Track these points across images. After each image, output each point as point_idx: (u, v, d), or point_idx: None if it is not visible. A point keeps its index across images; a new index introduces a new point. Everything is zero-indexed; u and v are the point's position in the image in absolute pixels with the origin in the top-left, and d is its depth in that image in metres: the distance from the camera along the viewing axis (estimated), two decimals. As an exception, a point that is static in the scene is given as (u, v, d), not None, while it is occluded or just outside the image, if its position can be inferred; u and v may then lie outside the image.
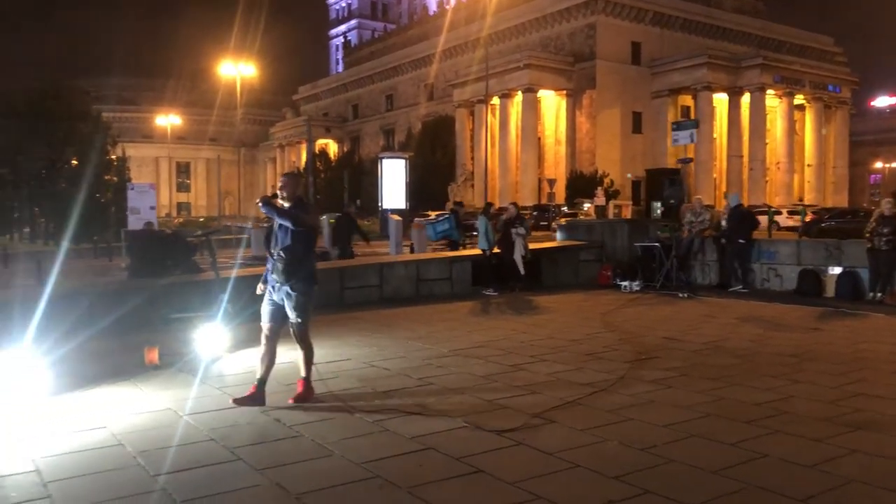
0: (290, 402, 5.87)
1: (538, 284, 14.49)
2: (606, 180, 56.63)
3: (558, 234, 17.18)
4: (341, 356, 7.84)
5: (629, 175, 59.14)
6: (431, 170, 63.89)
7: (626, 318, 10.70)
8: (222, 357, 7.72)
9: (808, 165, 68.60)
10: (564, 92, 63.39)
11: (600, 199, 50.44)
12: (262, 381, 5.91)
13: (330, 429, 5.20)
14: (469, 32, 70.82)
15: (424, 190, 58.26)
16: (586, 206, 49.49)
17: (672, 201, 14.07)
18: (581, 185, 56.58)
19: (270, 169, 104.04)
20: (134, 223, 25.64)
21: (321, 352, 7.97)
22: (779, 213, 34.52)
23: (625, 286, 14.24)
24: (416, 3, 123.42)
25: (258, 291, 6.18)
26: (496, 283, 13.67)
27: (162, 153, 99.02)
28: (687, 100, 65.15)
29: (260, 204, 5.87)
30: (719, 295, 13.49)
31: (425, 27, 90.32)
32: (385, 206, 35.44)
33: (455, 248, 16.92)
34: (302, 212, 5.83)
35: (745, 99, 63.93)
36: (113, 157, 42.43)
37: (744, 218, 15.22)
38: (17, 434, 5.08)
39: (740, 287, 13.97)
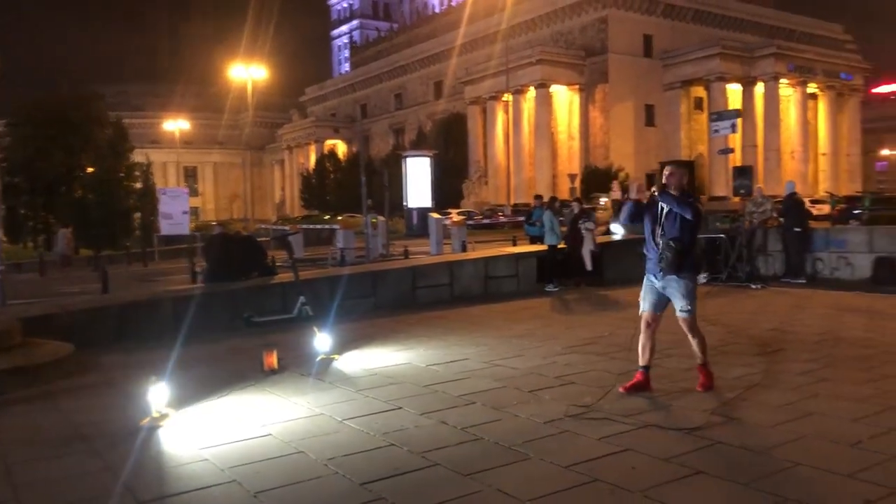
0: (699, 389, 5.86)
1: (601, 279, 14.29)
2: (622, 174, 56.38)
3: (612, 226, 16.97)
4: (457, 356, 7.65)
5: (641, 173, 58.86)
6: (445, 168, 63.60)
7: (715, 310, 10.48)
8: (334, 359, 7.53)
9: (823, 154, 68.34)
10: (577, 86, 63.19)
11: (616, 193, 50.16)
12: (647, 368, 5.95)
13: (507, 430, 5.00)
14: (479, 29, 70.68)
15: (439, 188, 58.08)
16: (603, 200, 49.22)
17: (742, 191, 13.75)
18: (596, 179, 56.36)
19: (278, 171, 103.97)
20: (168, 228, 25.46)
21: (431, 352, 7.86)
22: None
23: (692, 279, 14.03)
24: (418, 2, 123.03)
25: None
26: (558, 279, 13.48)
27: (170, 158, 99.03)
28: (700, 91, 64.93)
29: (657, 194, 5.87)
30: (791, 286, 13.30)
31: (433, 25, 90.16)
32: (410, 205, 35.28)
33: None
34: (691, 203, 5.85)
35: (759, 89, 63.69)
36: (134, 162, 42.25)
37: (797, 206, 15.05)
38: (185, 443, 4.91)
39: (801, 279, 13.77)
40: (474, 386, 6.30)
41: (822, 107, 68.60)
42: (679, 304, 5.86)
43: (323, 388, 6.42)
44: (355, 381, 6.69)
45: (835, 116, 68.70)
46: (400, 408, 5.69)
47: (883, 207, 26.79)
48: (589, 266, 13.62)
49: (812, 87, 66.54)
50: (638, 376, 5.94)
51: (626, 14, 62.99)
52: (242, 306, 10.41)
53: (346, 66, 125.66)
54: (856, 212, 29.06)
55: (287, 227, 28.40)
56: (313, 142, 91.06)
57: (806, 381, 6.10)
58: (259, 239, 13.26)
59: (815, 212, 33.04)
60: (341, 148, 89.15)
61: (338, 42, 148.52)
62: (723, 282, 13.81)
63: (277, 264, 13.73)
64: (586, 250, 13.48)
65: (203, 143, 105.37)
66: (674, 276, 5.77)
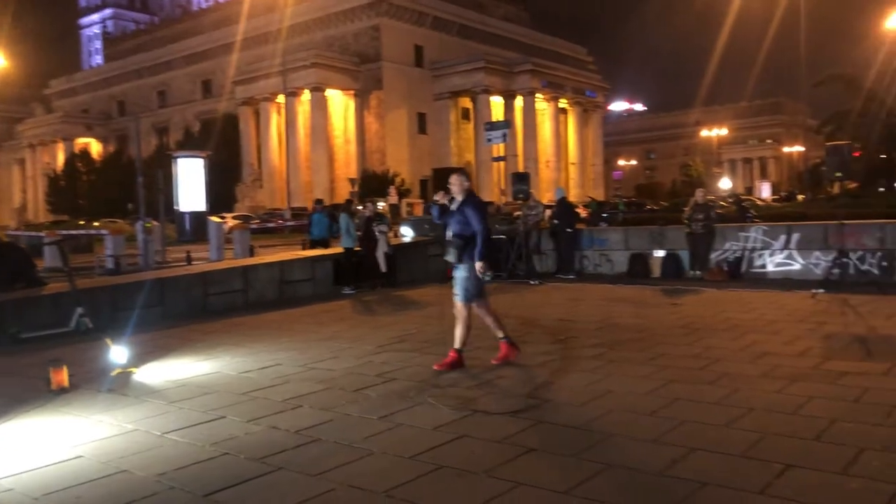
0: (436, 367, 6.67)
1: (394, 280, 14.65)
2: (398, 179, 57.89)
3: (402, 228, 17.46)
4: (268, 362, 7.46)
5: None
6: (217, 170, 60.78)
7: (505, 305, 11.19)
8: (133, 373, 7.00)
9: (572, 163, 75.54)
10: (352, 92, 63.78)
11: (393, 198, 51.39)
12: (508, 338, 6.92)
13: (346, 427, 5.02)
14: (250, 28, 68.57)
15: (210, 190, 55.35)
16: (381, 204, 50.21)
17: (521, 196, 14.90)
18: (374, 184, 57.27)
19: (18, 171, 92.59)
20: None
21: (239, 360, 7.62)
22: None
23: (477, 277, 14.91)
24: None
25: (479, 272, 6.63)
26: (355, 282, 13.64)
27: None
28: (467, 102, 68.66)
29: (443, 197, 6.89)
30: (563, 280, 14.63)
31: (199, 20, 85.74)
32: (183, 209, 33.24)
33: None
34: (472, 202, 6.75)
35: (518, 102, 68.79)
36: None
37: (568, 209, 16.64)
38: (-22, 476, 4.31)
39: (571, 275, 15.24)
40: (296, 390, 6.22)
41: (571, 121, 75.88)
42: (455, 289, 6.78)
43: (129, 404, 5.95)
44: (164, 393, 6.28)
45: (582, 130, 76.32)
46: (223, 417, 5.46)
47: (634, 211, 30.33)
48: (383, 268, 13.90)
49: (563, 103, 73.33)
50: (503, 347, 6.87)
51: (397, 24, 64.79)
52: (6, 321, 9.26)
53: (99, 59, 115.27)
54: (604, 215, 32.62)
55: (43, 234, 25.41)
56: (61, 140, 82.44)
57: (599, 363, 6.81)
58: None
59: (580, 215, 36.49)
60: (95, 147, 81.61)
61: (88, 32, 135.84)
62: (505, 279, 14.83)
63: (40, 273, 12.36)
64: (380, 252, 13.75)
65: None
66: (458, 266, 6.68)
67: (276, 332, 9.46)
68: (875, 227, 12.63)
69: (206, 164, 34.61)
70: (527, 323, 9.33)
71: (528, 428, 4.89)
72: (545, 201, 22.17)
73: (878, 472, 3.88)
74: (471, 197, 6.76)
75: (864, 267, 12.31)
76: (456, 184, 6.73)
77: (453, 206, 6.75)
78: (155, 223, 20.97)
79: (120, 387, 6.53)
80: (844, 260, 11.72)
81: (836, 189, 29.21)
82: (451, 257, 6.67)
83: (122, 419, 5.47)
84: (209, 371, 7.15)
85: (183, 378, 6.84)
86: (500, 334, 6.91)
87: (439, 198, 6.95)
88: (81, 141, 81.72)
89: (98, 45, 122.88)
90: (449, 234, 6.78)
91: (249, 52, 67.80)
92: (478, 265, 6.58)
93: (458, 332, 6.75)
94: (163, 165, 35.70)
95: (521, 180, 14.94)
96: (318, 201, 17.94)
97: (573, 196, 64.61)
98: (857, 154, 29.07)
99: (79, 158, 74.80)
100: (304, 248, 17.14)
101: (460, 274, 6.70)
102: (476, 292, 6.77)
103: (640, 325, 8.85)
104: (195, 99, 76.45)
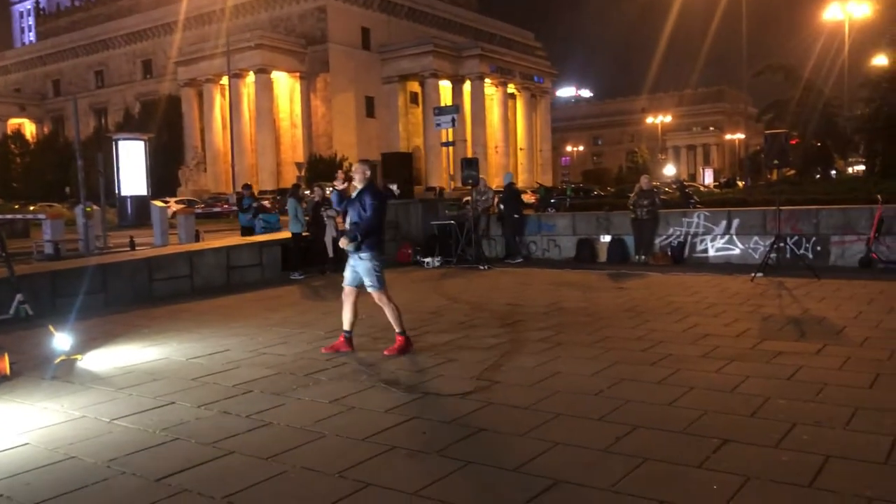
0: (387, 353, 6.76)
1: (343, 266, 14.57)
2: (345, 164, 57.33)
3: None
4: (217, 347, 7.42)
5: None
6: (159, 153, 59.32)
7: (454, 289, 11.39)
8: (77, 360, 6.87)
9: (521, 149, 76.10)
10: (298, 74, 62.88)
11: (339, 183, 50.80)
12: (349, 332, 6.99)
13: (297, 412, 5.05)
14: (192, 7, 66.85)
15: (152, 174, 54.04)
16: (328, 189, 49.72)
17: (470, 181, 15.01)
18: (321, 168, 56.64)
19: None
20: None
21: (187, 346, 7.56)
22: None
23: (427, 262, 15.01)
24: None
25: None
26: (303, 267, 13.57)
27: None
28: (415, 86, 68.36)
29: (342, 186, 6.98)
30: (511, 265, 14.82)
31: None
32: (124, 193, 32.45)
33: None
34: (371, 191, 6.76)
35: (467, 87, 68.83)
36: None
37: (515, 195, 16.84)
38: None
39: (519, 259, 15.44)
40: (247, 375, 6.20)
41: (520, 106, 76.33)
42: (365, 281, 6.79)
43: (75, 391, 5.85)
44: (110, 380, 6.19)
45: (530, 115, 76.88)
46: (173, 402, 5.43)
47: (582, 197, 30.75)
48: (331, 252, 13.85)
49: (511, 88, 73.70)
50: (340, 339, 6.97)
51: (343, 5, 64.02)
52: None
53: (32, 36, 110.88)
54: (552, 200, 33.02)
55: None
56: (-9, 120, 79.14)
57: (546, 346, 6.97)
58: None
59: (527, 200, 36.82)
60: (29, 128, 78.66)
61: (19, 7, 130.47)
62: (455, 264, 14.96)
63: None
64: (328, 237, 13.69)
65: None
66: (357, 256, 6.71)
67: (224, 317, 9.38)
68: (810, 213, 13.14)
69: (148, 147, 33.91)
70: (476, 307, 9.46)
71: (478, 409, 5.00)
72: (494, 187, 22.35)
73: (808, 444, 4.10)
74: (370, 187, 6.78)
75: (801, 251, 12.82)
76: (358, 172, 6.81)
77: (353, 195, 6.81)
78: (95, 207, 20.41)
79: (64, 374, 6.41)
80: (781, 245, 12.18)
81: (774, 176, 30.18)
82: (347, 246, 6.71)
83: (69, 406, 5.39)
84: (157, 357, 7.07)
85: (130, 365, 6.75)
86: (347, 327, 6.99)
87: (337, 184, 7.04)
88: (14, 122, 78.60)
89: (31, 21, 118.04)
90: (347, 222, 6.81)
91: (192, 32, 66.18)
92: (343, 240, 6.73)
93: (391, 317, 6.83)
94: (102, 148, 34.67)
95: (470, 166, 15.04)
96: (246, 186, 17.11)
97: (522, 182, 65.18)
98: (794, 142, 30.11)
99: (12, 140, 71.93)
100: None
101: (364, 264, 6.73)
102: (383, 277, 6.83)
103: (587, 309, 9.06)
104: (135, 79, 74.30)
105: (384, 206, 6.95)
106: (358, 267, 6.80)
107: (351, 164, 57.35)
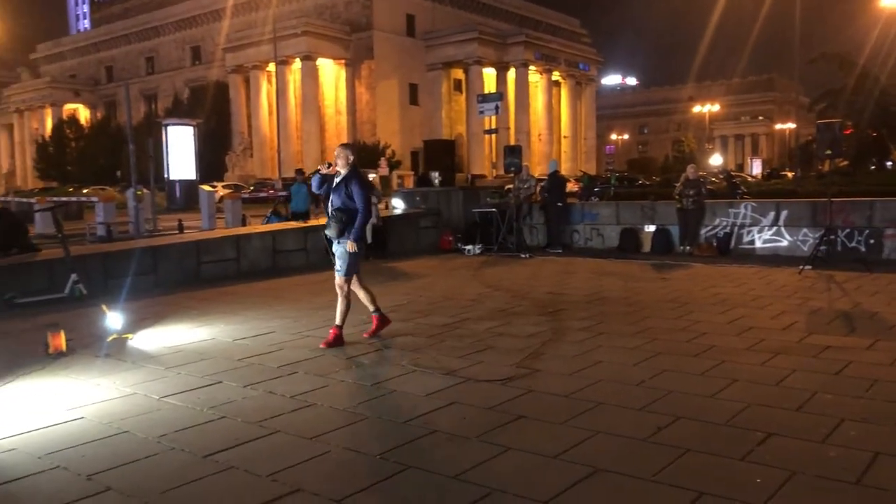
0: (324, 346, 6.63)
1: (384, 252, 14.72)
2: (388, 151, 57.61)
3: (394, 200, 17.49)
4: (262, 329, 7.58)
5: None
6: (206, 138, 60.38)
7: (495, 277, 11.39)
8: (129, 339, 7.08)
9: (565, 137, 75.35)
10: (343, 61, 63.17)
11: (384, 170, 51.13)
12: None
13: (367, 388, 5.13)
14: (240, -6, 67.51)
15: (200, 159, 55.11)
16: (372, 176, 50.03)
17: (512, 169, 14.98)
18: (364, 155, 56.94)
19: (5, 137, 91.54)
20: None
21: (233, 327, 7.71)
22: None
23: (468, 250, 15.04)
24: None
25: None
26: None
27: None
28: (459, 73, 68.10)
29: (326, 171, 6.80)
30: (552, 254, 14.74)
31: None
32: (173, 177, 33.15)
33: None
34: (355, 178, 6.71)
35: (511, 74, 68.33)
36: None
37: (559, 183, 16.72)
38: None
39: (559, 249, 15.34)
40: (291, 356, 6.32)
41: (564, 94, 75.49)
42: (336, 263, 6.78)
43: (127, 368, 6.04)
44: (160, 358, 6.38)
45: (574, 103, 76.00)
46: (220, 382, 5.57)
47: (626, 186, 30.40)
48: (369, 239, 13.92)
49: (556, 75, 72.92)
50: (374, 321, 7.04)
51: (389, -8, 63.98)
52: (1, 286, 9.29)
53: (86, 23, 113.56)
54: (596, 189, 32.69)
55: (34, 201, 25.27)
56: (49, 105, 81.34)
57: (588, 335, 6.94)
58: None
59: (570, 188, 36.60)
60: (84, 114, 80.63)
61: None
62: (495, 252, 14.95)
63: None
64: (370, 223, 13.77)
65: None
66: (338, 241, 6.68)
67: (269, 300, 9.55)
68: (864, 204, 12.78)
69: (196, 133, 34.51)
70: (517, 295, 9.46)
71: (517, 396, 5.02)
72: (537, 174, 22.20)
73: (856, 441, 4.03)
74: (354, 172, 6.70)
75: (852, 244, 12.49)
76: (341, 157, 6.71)
77: (337, 180, 6.69)
78: (145, 191, 20.93)
79: (116, 352, 6.62)
80: (832, 237, 11.88)
81: (826, 167, 29.36)
82: (331, 232, 6.68)
83: (121, 383, 5.57)
84: (204, 338, 7.24)
85: (178, 344, 6.93)
86: (372, 308, 7.01)
87: (323, 168, 6.92)
88: (70, 107, 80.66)
89: (85, 8, 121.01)
90: (330, 207, 6.74)
91: (239, 19, 66.96)
92: (350, 244, 6.63)
93: (340, 309, 6.81)
94: (152, 133, 35.46)
95: (513, 153, 14.97)
96: (299, 171, 17.67)
97: (565, 170, 64.52)
98: (848, 132, 29.23)
99: (67, 125, 73.88)
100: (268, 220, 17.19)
101: (341, 248, 6.71)
102: (357, 267, 6.83)
103: (630, 299, 8.98)
104: (184, 66, 75.51)
105: (370, 195, 6.91)
106: (337, 251, 6.77)
107: (393, 152, 57.67)
